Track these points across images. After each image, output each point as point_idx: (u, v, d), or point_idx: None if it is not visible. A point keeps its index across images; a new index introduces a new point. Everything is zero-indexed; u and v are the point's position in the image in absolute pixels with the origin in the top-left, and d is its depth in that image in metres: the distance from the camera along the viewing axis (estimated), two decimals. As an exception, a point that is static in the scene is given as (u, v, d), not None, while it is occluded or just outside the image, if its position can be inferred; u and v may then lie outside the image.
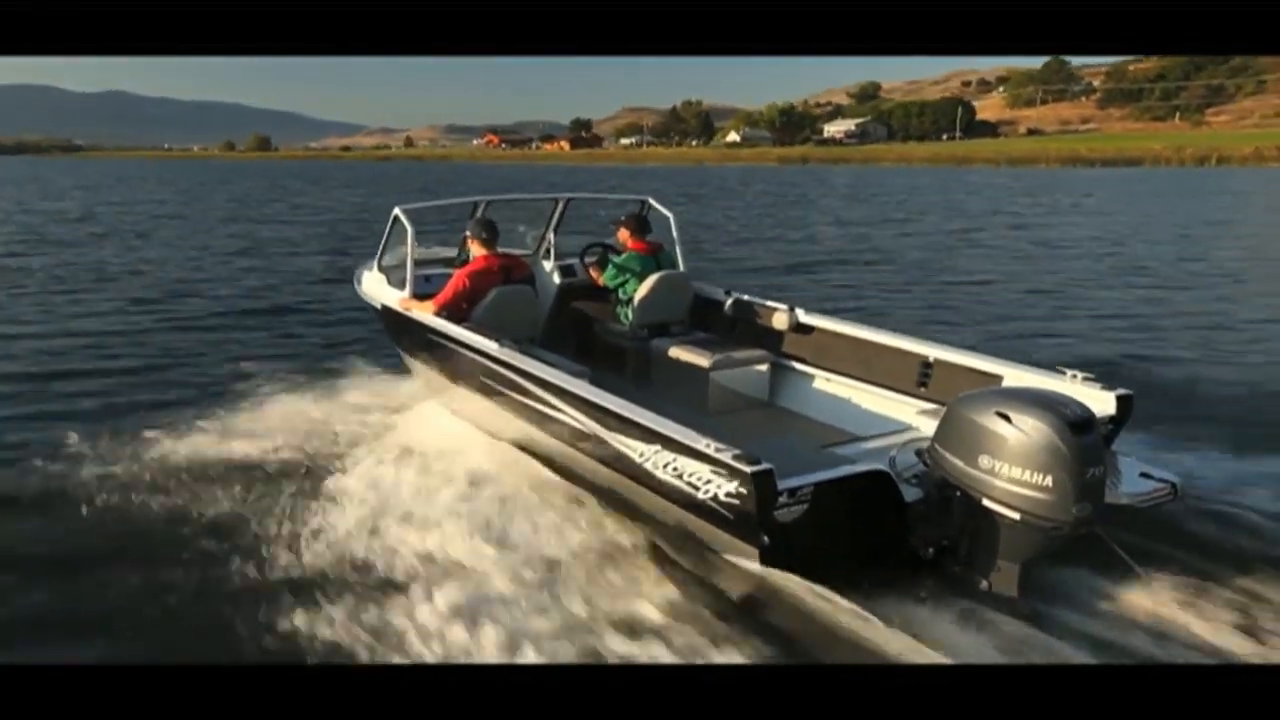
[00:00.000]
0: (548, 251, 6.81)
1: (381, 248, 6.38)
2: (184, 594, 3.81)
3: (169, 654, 3.41)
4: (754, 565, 3.55)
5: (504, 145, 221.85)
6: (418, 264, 5.87)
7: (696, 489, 3.53)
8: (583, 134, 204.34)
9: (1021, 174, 69.23)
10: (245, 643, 3.42)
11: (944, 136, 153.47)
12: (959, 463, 3.46)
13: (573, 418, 4.31)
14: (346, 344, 8.64)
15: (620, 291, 6.17)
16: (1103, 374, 4.35)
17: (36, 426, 6.00)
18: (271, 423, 5.85)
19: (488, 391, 5.06)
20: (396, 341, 6.41)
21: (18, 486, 4.91)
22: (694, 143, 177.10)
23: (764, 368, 5.76)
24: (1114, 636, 3.40)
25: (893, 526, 3.57)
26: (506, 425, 5.09)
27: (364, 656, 3.28)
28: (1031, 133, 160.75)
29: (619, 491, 4.23)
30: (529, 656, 3.22)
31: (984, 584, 3.52)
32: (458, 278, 5.55)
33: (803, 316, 5.76)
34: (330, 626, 3.46)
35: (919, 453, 3.78)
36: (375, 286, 6.36)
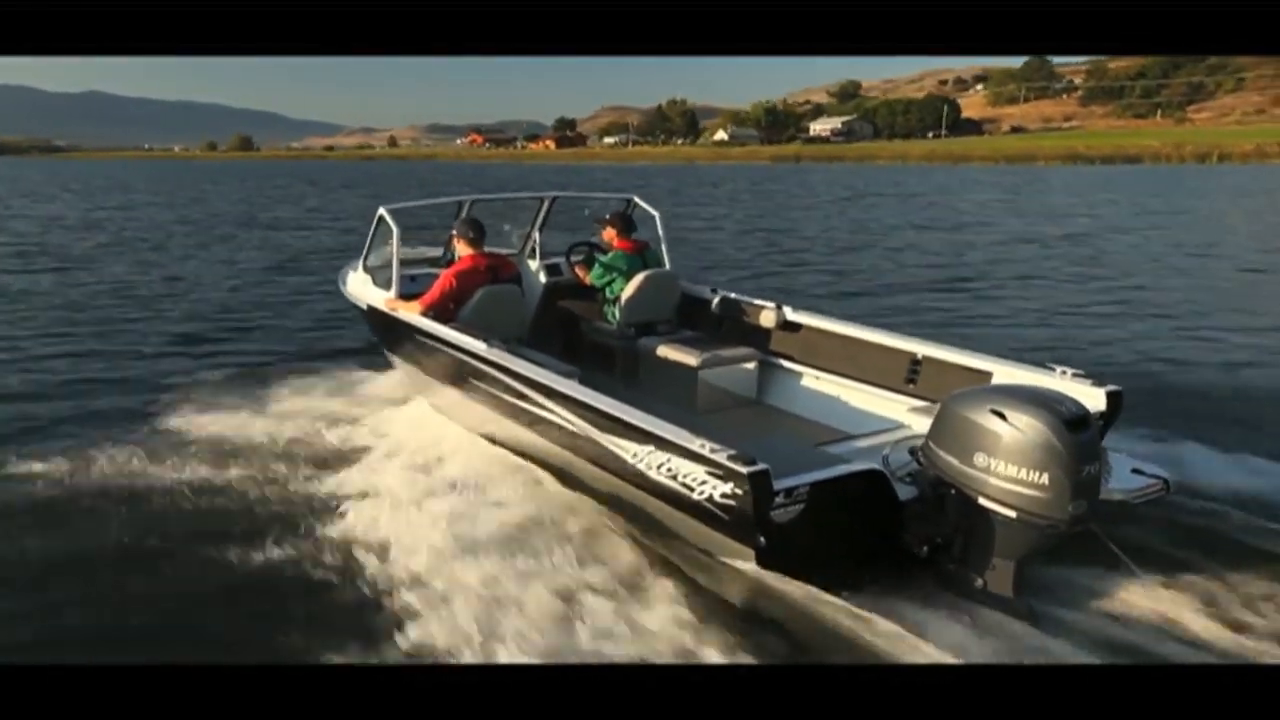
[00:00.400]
0: (533, 250, 6.79)
1: (366, 248, 6.33)
2: (179, 595, 3.80)
3: (168, 654, 3.39)
4: (750, 566, 3.52)
5: (488, 145, 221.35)
6: (403, 264, 5.82)
7: (691, 490, 3.49)
8: (567, 133, 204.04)
9: (1028, 172, 67.89)
10: (242, 643, 3.43)
11: (930, 134, 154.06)
12: (954, 461, 3.44)
13: (564, 418, 4.26)
14: (330, 344, 8.56)
15: (607, 290, 6.15)
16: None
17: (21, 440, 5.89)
18: (259, 425, 5.79)
19: (476, 392, 5.01)
20: (383, 342, 6.35)
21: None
22: (679, 141, 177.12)
23: (752, 366, 5.75)
24: (1110, 633, 3.41)
25: (888, 526, 3.56)
26: (495, 426, 5.05)
27: (361, 657, 3.27)
28: (1015, 130, 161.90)
29: (611, 492, 4.19)
30: (522, 658, 3.21)
31: (979, 582, 3.50)
32: (444, 278, 5.50)
33: (790, 314, 5.75)
34: (325, 627, 3.45)
35: (912, 451, 3.76)
36: (360, 287, 6.30)
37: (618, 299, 6.04)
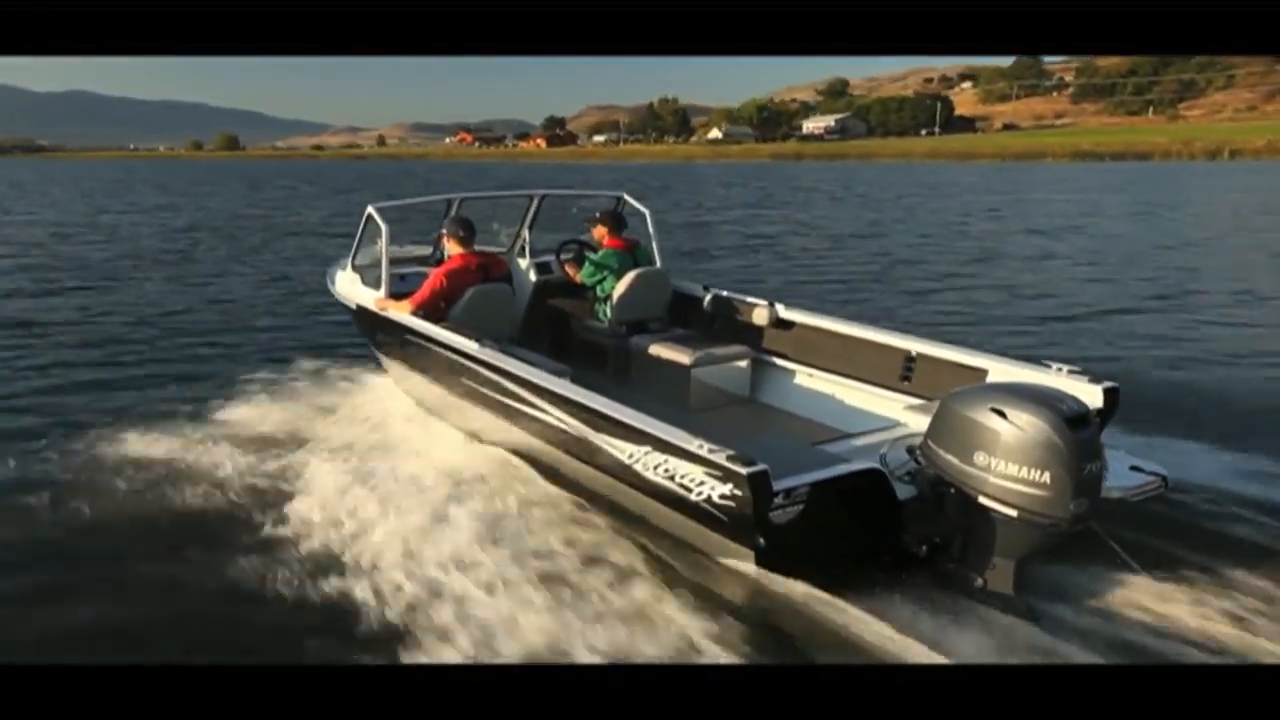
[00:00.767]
0: (523, 249, 6.76)
1: (355, 246, 6.27)
2: (174, 597, 3.79)
3: (168, 654, 3.38)
4: (749, 567, 3.49)
5: (477, 143, 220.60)
6: (392, 263, 5.76)
7: (688, 491, 3.45)
8: (558, 131, 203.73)
9: (1045, 170, 66.16)
10: (238, 644, 3.40)
11: (923, 132, 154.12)
12: (953, 460, 3.41)
13: (558, 418, 4.22)
14: (319, 344, 8.47)
15: (598, 289, 6.11)
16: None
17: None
18: (247, 426, 5.73)
19: (468, 392, 4.96)
20: (372, 342, 6.30)
21: None
22: (670, 139, 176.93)
23: (745, 364, 5.71)
24: (1110, 631, 3.39)
25: (887, 525, 3.53)
26: (488, 426, 5.00)
27: (359, 657, 3.25)
28: (1008, 128, 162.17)
29: (606, 493, 4.16)
30: (519, 658, 3.20)
31: (979, 581, 3.48)
32: (435, 277, 5.45)
33: (783, 312, 5.71)
34: (319, 627, 3.44)
35: (910, 450, 3.73)
36: (349, 286, 6.25)
37: (609, 297, 6.00)
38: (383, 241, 5.66)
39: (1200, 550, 3.94)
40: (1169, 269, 14.59)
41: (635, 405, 3.87)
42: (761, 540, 3.32)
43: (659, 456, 3.57)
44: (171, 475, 4.91)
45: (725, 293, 6.17)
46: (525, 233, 6.75)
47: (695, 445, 3.40)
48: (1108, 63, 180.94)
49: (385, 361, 6.27)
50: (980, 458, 3.32)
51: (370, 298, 5.80)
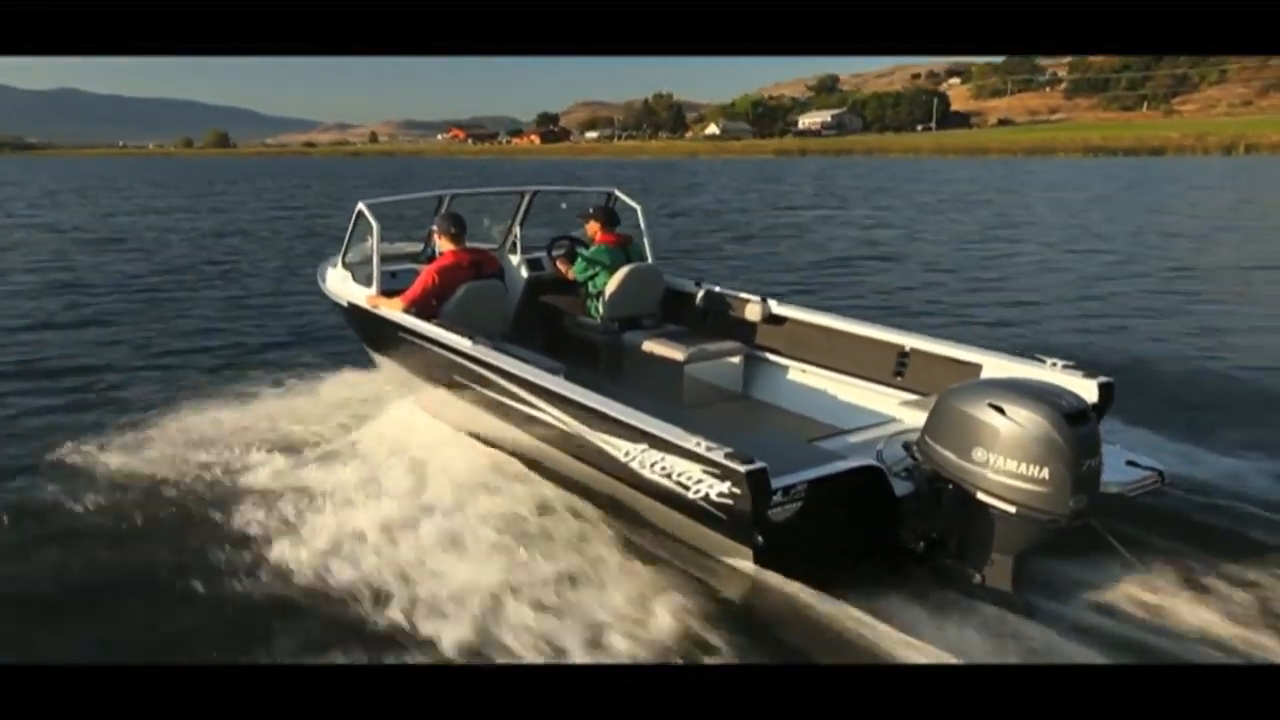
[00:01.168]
0: (514, 245, 6.73)
1: (345, 243, 6.21)
2: (172, 595, 3.77)
3: (167, 654, 3.37)
4: (747, 565, 3.46)
5: (470, 140, 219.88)
6: (383, 259, 5.71)
7: (686, 489, 3.42)
8: (551, 128, 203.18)
9: (1065, 165, 63.78)
10: (233, 645, 3.38)
11: (919, 127, 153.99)
12: (951, 455, 3.39)
13: (553, 416, 4.19)
14: (311, 342, 8.43)
15: (590, 285, 6.08)
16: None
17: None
18: (240, 424, 5.68)
19: (462, 390, 4.92)
20: (364, 339, 6.24)
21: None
22: (664, 135, 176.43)
23: (738, 360, 5.68)
24: (1109, 628, 3.38)
25: (885, 522, 3.51)
26: (482, 424, 4.96)
27: (357, 658, 3.24)
28: (1003, 123, 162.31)
29: (602, 491, 4.12)
30: (517, 658, 3.18)
31: (977, 578, 3.46)
32: (427, 274, 5.40)
33: (775, 307, 5.68)
34: (314, 627, 3.43)
35: (907, 446, 3.71)
36: (340, 283, 6.19)
37: (601, 293, 5.97)
38: (374, 238, 5.61)
39: (1197, 545, 3.93)
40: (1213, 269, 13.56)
41: (629, 402, 3.84)
42: (760, 538, 3.29)
43: (656, 454, 3.54)
44: (153, 480, 4.85)
45: (718, 288, 6.15)
46: (517, 229, 6.72)
47: (693, 443, 3.37)
48: (1100, 58, 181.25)
49: (378, 358, 6.22)
50: (979, 453, 3.30)
51: (362, 295, 5.75)
